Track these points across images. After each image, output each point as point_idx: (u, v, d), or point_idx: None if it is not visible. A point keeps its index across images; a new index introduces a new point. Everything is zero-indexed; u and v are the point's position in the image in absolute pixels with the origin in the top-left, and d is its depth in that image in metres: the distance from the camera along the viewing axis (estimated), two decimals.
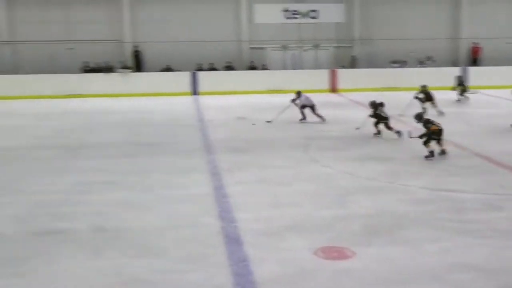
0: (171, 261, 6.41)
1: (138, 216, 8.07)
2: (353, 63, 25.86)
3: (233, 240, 7.00)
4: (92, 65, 23.75)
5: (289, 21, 25.72)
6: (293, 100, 15.93)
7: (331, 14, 26.05)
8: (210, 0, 24.97)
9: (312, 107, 15.82)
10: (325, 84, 24.07)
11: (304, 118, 15.87)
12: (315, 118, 15.75)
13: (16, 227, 7.66)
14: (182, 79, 23.39)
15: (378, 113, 13.41)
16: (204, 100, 21.53)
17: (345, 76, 24.30)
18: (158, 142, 13.39)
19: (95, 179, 10.03)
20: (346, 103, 20.79)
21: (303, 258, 6.42)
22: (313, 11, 25.84)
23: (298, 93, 15.99)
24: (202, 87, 23.32)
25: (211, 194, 9.06)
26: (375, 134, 13.50)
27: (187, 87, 23.31)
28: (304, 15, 25.81)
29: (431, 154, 11.08)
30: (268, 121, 15.70)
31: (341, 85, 24.07)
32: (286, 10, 25.68)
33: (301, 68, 25.55)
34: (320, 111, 15.85)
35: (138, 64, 24.44)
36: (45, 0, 23.92)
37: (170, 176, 10.19)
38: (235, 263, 6.32)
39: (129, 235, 7.27)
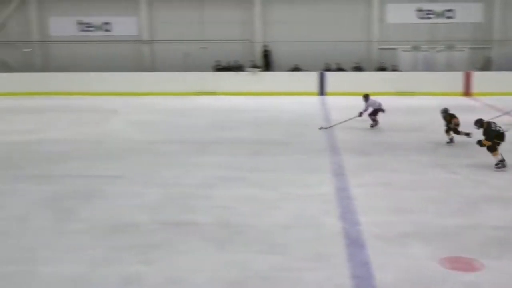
0: (292, 259, 6.47)
1: (263, 213, 8.23)
2: (487, 65, 24.49)
3: (354, 242, 6.93)
4: (223, 63, 24.57)
5: (422, 21, 24.95)
6: (361, 114, 15.13)
7: (468, 13, 24.90)
8: (340, 0, 24.84)
9: (382, 111, 15.13)
10: (459, 87, 23.03)
11: (376, 124, 15.22)
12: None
13: (147, 216, 8.11)
14: (309, 79, 23.49)
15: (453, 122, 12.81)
16: (331, 100, 21.47)
17: (481, 78, 23.07)
18: (284, 141, 13.57)
19: (222, 174, 10.37)
20: (481, 107, 19.74)
21: (427, 266, 6.20)
22: (449, 10, 24.85)
23: (366, 97, 15.23)
24: (329, 87, 23.28)
25: (334, 195, 9.03)
26: (448, 142, 12.87)
27: (314, 87, 23.37)
28: (439, 14, 24.90)
29: (502, 163, 10.33)
30: (323, 128, 15.06)
31: (475, 88, 22.90)
32: (420, 10, 24.92)
33: (433, 70, 24.65)
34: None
35: (267, 63, 24.90)
36: (182, 1, 25.10)
37: (295, 175, 10.29)
38: (356, 265, 6.27)
39: (253, 231, 7.44)
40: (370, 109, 15.18)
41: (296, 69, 24.31)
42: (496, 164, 10.37)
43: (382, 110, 15.12)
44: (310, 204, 8.57)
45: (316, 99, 22.00)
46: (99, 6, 25.33)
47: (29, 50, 25.46)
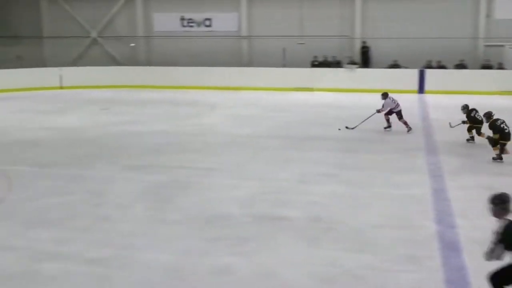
0: (384, 260, 6.40)
1: (355, 210, 8.18)
2: None
3: (449, 246, 6.73)
4: (320, 59, 24.49)
5: None
6: (379, 111, 14.28)
7: None
8: None
9: (399, 113, 14.14)
10: None
11: (389, 126, 14.37)
12: (400, 125, 14.17)
13: (241, 209, 8.29)
14: (408, 76, 22.89)
15: (473, 118, 12.46)
16: (430, 99, 20.84)
17: None
18: (380, 139, 13.37)
19: (316, 170, 10.39)
20: None
21: None
22: None
23: (385, 95, 14.38)
24: (429, 85, 22.56)
25: (430, 196, 8.80)
26: (468, 140, 12.71)
27: (414, 85, 22.75)
28: None
29: (499, 156, 10.84)
30: (348, 128, 14.47)
31: None
32: None
33: None
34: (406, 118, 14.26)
35: (365, 60, 24.55)
36: None
37: (389, 174, 10.12)
38: (451, 270, 6.09)
39: (345, 229, 7.41)
40: (387, 109, 14.33)
41: (395, 66, 23.77)
42: (495, 158, 10.90)
43: (397, 112, 14.16)
44: (404, 204, 8.41)
45: (415, 97, 21.40)
46: (201, 2, 26.02)
47: (134, 45, 26.62)
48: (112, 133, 14.41)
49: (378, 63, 24.24)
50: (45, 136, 13.95)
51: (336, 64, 24.11)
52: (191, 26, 26.41)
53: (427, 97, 21.44)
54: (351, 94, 22.21)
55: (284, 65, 24.41)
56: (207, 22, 26.32)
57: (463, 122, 12.77)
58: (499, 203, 4.85)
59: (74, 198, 8.94)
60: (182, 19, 26.43)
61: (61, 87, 24.27)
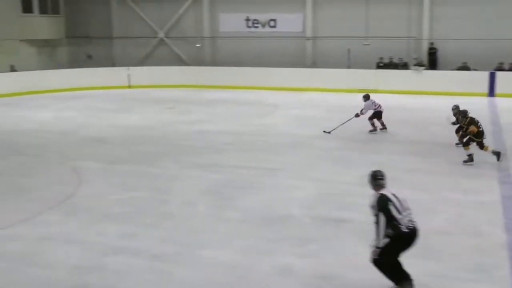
0: (449, 267, 6.23)
1: (419, 216, 7.96)
2: None
3: None
4: (386, 61, 24.08)
5: None
6: (359, 114, 14.12)
7: None
8: None
9: (379, 114, 14.02)
10: None
11: (374, 129, 14.11)
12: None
13: (302, 210, 8.27)
14: (478, 78, 22.14)
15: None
16: (501, 102, 20.10)
17: None
18: (444, 143, 13.00)
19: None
20: None
21: None
22: None
23: (367, 97, 14.19)
24: (500, 88, 21.76)
25: (499, 203, 8.49)
26: (457, 144, 12.20)
27: (484, 88, 21.99)
28: None
29: (470, 158, 10.78)
30: (326, 132, 14.10)
31: None
32: None
33: None
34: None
35: (432, 61, 23.94)
36: None
37: (457, 179, 9.85)
38: None
39: None
40: (370, 112, 14.20)
41: (464, 68, 23.05)
42: (465, 161, 10.86)
43: (377, 112, 14.14)
44: (471, 211, 8.16)
45: (485, 100, 20.69)
46: (266, 3, 26.09)
47: (200, 45, 26.99)
48: (177, 132, 14.67)
49: (446, 65, 23.59)
50: (113, 134, 14.37)
51: (403, 66, 23.62)
52: (256, 27, 26.52)
53: (498, 100, 20.70)
54: (417, 96, 21.70)
55: (348, 66, 24.15)
56: (272, 23, 26.36)
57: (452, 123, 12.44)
58: (372, 179, 5.72)
59: (139, 194, 9.17)
60: (247, 19, 26.58)
61: (129, 86, 24.91)
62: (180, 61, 27.13)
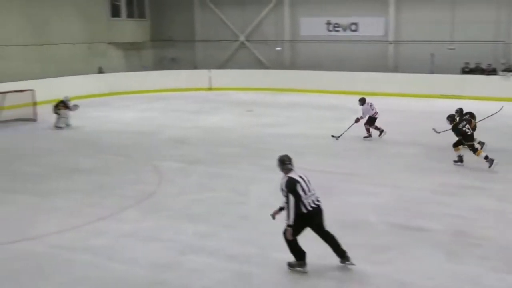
0: None
1: (502, 226, 7.70)
2: None
3: None
4: (472, 66, 23.24)
5: None
6: (359, 119, 13.94)
7: None
8: None
9: (374, 120, 13.87)
10: None
11: (369, 135, 13.73)
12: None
13: (378, 216, 8.16)
14: None
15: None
16: None
17: None
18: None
19: (457, 182, 9.95)
20: None
21: None
22: None
23: (363, 100, 13.73)
24: None
25: None
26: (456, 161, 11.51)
27: None
28: None
29: (460, 159, 10.97)
30: (334, 136, 13.99)
31: None
32: None
33: None
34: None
35: None
36: (432, 1, 24.34)
37: None
38: None
39: (490, 245, 7.02)
40: (367, 116, 13.87)
41: None
42: (455, 161, 11.10)
43: (373, 118, 13.95)
44: None
45: None
46: (348, 6, 25.85)
47: (280, 49, 27.13)
48: (255, 134, 14.84)
49: None
50: (193, 135, 14.73)
51: (490, 71, 22.68)
52: (337, 31, 26.34)
53: None
54: (506, 103, 20.77)
55: (431, 71, 23.51)
56: (353, 27, 26.08)
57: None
58: (280, 164, 6.40)
59: (218, 195, 9.37)
60: (328, 23, 26.44)
61: (210, 89, 25.43)
62: (260, 64, 27.37)
